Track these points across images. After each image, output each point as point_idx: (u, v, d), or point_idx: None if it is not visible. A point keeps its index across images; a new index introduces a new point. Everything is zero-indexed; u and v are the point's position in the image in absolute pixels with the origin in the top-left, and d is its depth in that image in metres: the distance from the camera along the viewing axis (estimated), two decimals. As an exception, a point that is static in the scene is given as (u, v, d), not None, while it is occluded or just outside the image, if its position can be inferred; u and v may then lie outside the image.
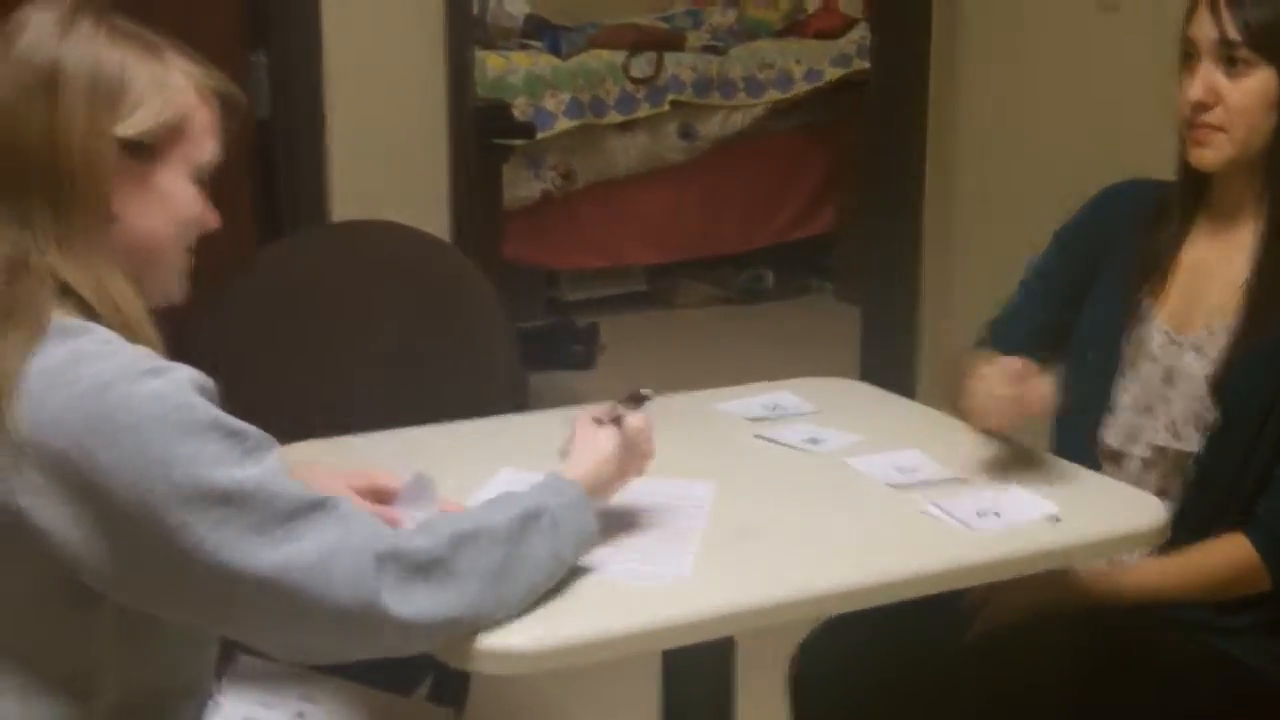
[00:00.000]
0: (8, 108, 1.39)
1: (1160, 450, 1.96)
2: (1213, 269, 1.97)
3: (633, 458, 1.61)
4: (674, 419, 2.04)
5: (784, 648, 2.11)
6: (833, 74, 5.99)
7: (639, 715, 2.02)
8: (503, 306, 2.42)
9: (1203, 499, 1.92)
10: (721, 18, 6.49)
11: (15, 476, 1.33)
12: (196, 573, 1.31)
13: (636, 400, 1.66)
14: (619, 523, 1.63)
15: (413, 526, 1.46)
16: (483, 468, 1.79)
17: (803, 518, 1.71)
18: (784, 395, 2.12)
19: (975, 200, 3.74)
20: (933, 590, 1.61)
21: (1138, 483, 1.94)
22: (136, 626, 1.41)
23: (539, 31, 5.85)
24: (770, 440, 1.95)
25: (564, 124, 5.44)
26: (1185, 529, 1.85)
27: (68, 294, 1.39)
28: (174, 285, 1.50)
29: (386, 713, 1.74)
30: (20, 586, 1.38)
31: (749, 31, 6.27)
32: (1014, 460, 1.87)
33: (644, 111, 5.68)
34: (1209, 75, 1.88)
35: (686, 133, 5.83)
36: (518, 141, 4.34)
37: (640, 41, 5.77)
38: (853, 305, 4.54)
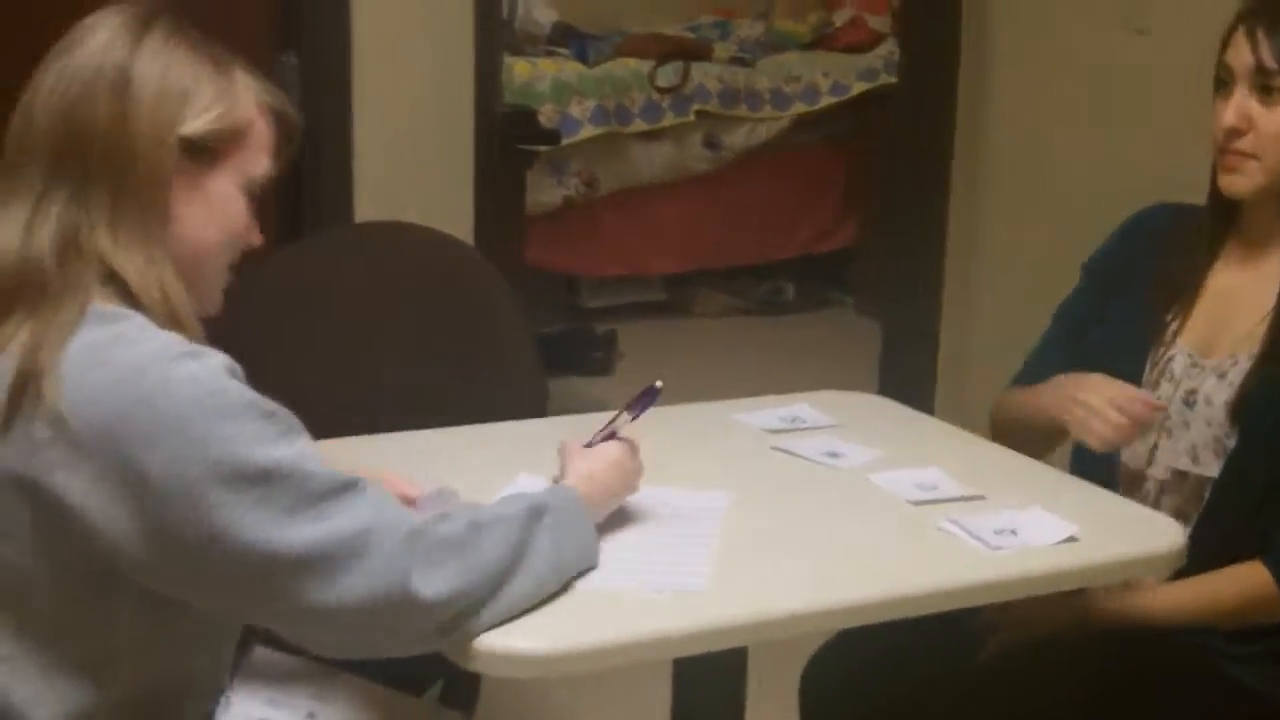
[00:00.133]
0: (78, 96, 1.43)
1: (1180, 474, 1.96)
2: (1240, 297, 1.97)
3: (624, 474, 1.63)
4: (691, 429, 2.05)
5: (796, 659, 2.11)
6: (859, 88, 5.99)
7: (649, 724, 2.02)
8: (524, 311, 2.42)
9: (1220, 525, 1.91)
10: (749, 30, 6.49)
11: (51, 455, 1.35)
12: (232, 552, 1.33)
13: (639, 403, 1.67)
14: (634, 532, 1.63)
15: None
16: (500, 472, 1.79)
17: (819, 530, 1.71)
18: (803, 408, 2.11)
19: (998, 218, 3.73)
20: (948, 607, 1.61)
21: (1155, 506, 1.94)
22: (156, 615, 1.42)
23: (566, 39, 5.85)
24: (788, 452, 1.95)
25: (589, 131, 5.44)
26: (1202, 554, 1.84)
27: (111, 281, 1.42)
28: (214, 298, 1.54)
29: (397, 713, 1.74)
30: (45, 568, 1.39)
31: (777, 44, 6.26)
32: (1033, 480, 1.86)
33: (669, 121, 5.67)
34: (1243, 102, 1.88)
35: (711, 143, 5.83)
36: (542, 147, 4.35)
37: (667, 51, 5.77)
38: (873, 320, 4.54)
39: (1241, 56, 1.88)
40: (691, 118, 5.72)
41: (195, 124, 1.46)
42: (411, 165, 3.19)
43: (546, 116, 5.16)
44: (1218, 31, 1.93)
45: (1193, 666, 1.90)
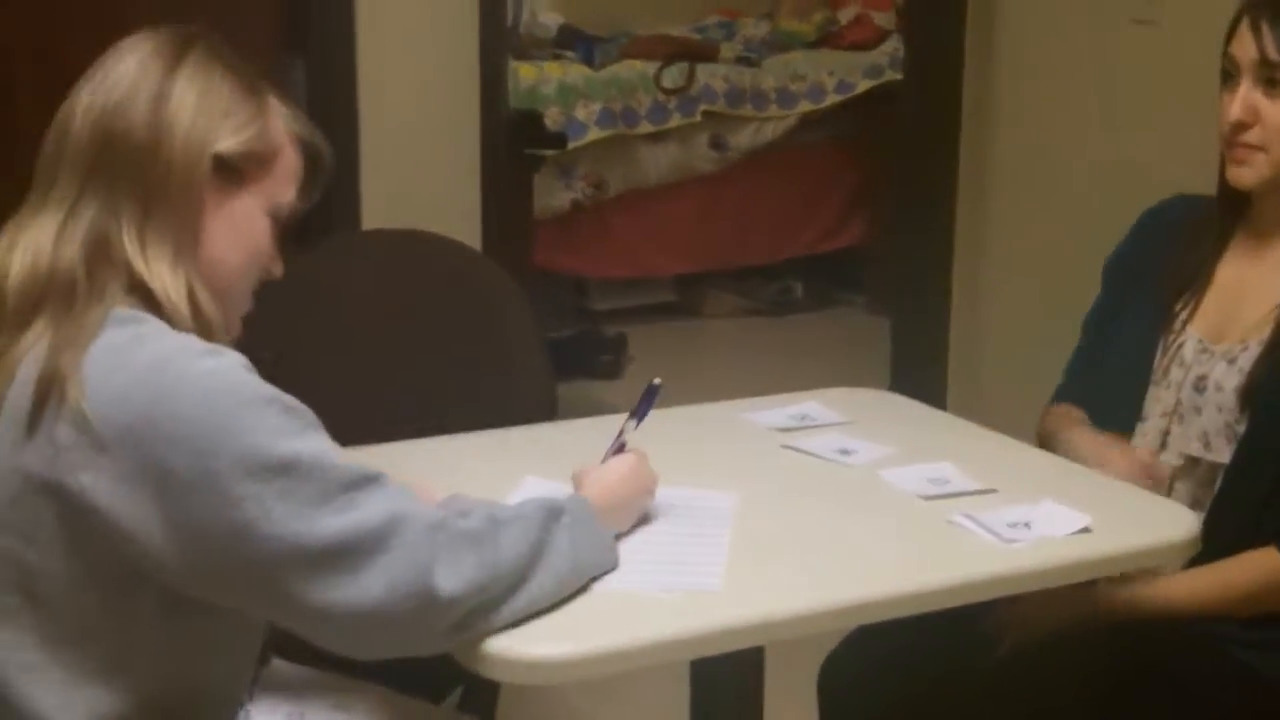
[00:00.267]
0: (115, 107, 1.45)
1: (1192, 460, 1.96)
2: (1249, 286, 1.97)
3: (638, 485, 1.63)
4: (700, 429, 2.05)
5: (813, 657, 2.11)
6: (864, 85, 5.98)
7: (666, 725, 2.02)
8: (534, 315, 2.42)
9: (1233, 510, 1.91)
10: (754, 29, 6.48)
11: (76, 457, 1.36)
12: (259, 545, 1.34)
13: (642, 405, 1.67)
14: (645, 532, 1.63)
15: None
16: (510, 478, 1.79)
17: (832, 528, 1.71)
18: (812, 406, 2.11)
19: (1007, 214, 3.73)
20: (963, 601, 1.60)
21: (1168, 492, 1.94)
22: (175, 619, 1.43)
23: (572, 42, 5.86)
24: (798, 450, 1.95)
25: (595, 134, 5.45)
26: (1216, 540, 1.84)
27: (135, 290, 1.43)
28: (234, 323, 1.55)
29: (416, 720, 1.74)
30: (71, 570, 1.40)
31: (782, 43, 6.26)
32: (1045, 472, 1.86)
33: (675, 122, 5.67)
34: (1249, 95, 1.88)
35: (718, 143, 5.83)
36: (549, 151, 4.34)
37: (673, 52, 5.77)
38: (883, 318, 4.53)
39: (1246, 49, 1.88)
40: (698, 118, 5.72)
41: (229, 142, 1.47)
42: (418, 170, 3.20)
43: (553, 120, 5.16)
44: (1224, 23, 1.93)
45: (1205, 656, 1.90)
